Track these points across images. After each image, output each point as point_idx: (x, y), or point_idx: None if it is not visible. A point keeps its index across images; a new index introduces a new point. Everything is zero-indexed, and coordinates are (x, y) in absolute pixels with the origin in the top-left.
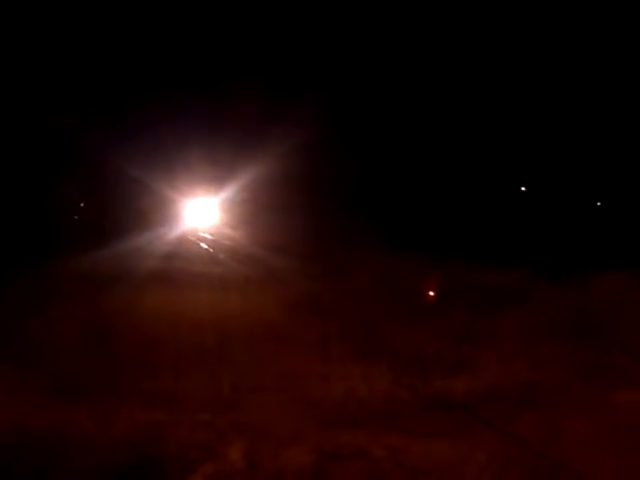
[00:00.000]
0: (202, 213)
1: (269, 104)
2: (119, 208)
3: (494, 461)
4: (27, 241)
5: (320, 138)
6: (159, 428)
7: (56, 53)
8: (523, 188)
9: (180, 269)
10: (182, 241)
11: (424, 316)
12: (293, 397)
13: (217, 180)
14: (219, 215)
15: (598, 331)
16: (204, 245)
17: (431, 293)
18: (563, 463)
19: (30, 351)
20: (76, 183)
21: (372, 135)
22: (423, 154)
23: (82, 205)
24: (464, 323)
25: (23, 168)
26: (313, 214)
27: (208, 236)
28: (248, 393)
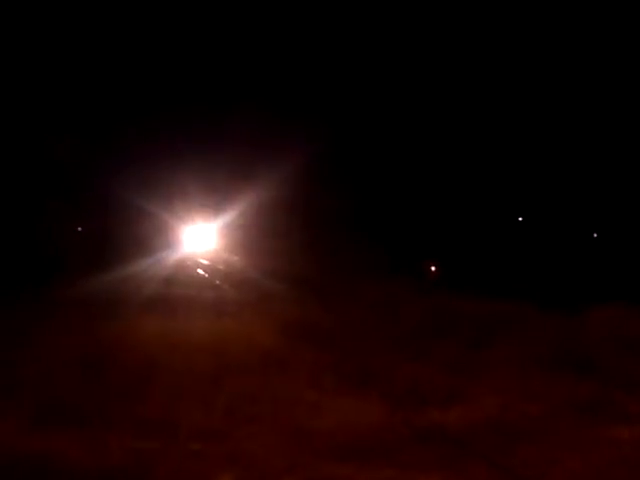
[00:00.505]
0: (200, 238)
1: (266, 130)
2: (117, 234)
3: None
4: (24, 267)
5: (317, 163)
6: (150, 457)
7: (53, 78)
8: (520, 218)
9: (175, 295)
10: (179, 266)
11: (418, 346)
12: (286, 427)
13: (215, 206)
14: (217, 240)
15: (593, 364)
16: (201, 271)
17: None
18: None
19: (21, 377)
20: (74, 209)
21: (368, 160)
22: (419, 182)
23: (79, 230)
24: (458, 354)
25: (20, 194)
26: (310, 239)
27: (205, 261)
28: (241, 422)
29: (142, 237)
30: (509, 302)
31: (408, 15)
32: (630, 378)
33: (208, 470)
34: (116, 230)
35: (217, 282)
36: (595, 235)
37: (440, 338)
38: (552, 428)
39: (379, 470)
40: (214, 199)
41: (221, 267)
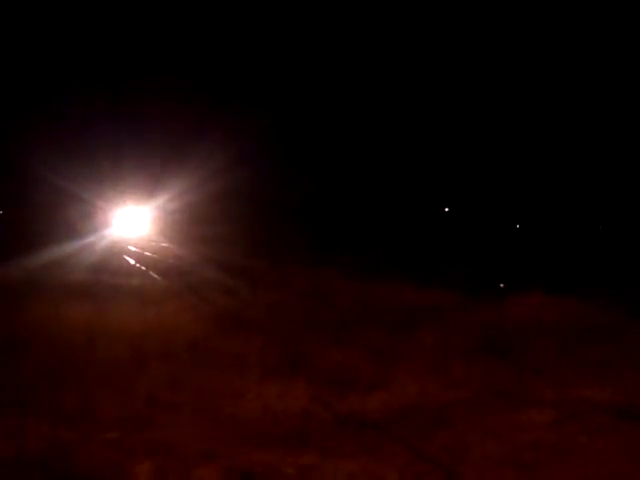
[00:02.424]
0: (131, 223)
1: (205, 111)
2: (42, 217)
3: (405, 479)
4: None
5: (256, 148)
6: (67, 446)
7: None
8: (446, 209)
9: (100, 281)
10: (106, 252)
11: (344, 333)
12: (207, 415)
13: (148, 188)
14: (149, 225)
15: (511, 351)
16: (128, 258)
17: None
18: None
19: None
20: None
21: (308, 146)
22: (355, 172)
23: (0, 213)
24: (383, 341)
25: None
26: (246, 226)
27: (134, 248)
28: (161, 410)
29: (69, 221)
30: (434, 290)
31: None
32: (544, 364)
33: (126, 458)
34: (41, 213)
35: (145, 269)
36: (518, 226)
37: (366, 325)
38: (470, 413)
39: (300, 456)
40: (147, 182)
41: (150, 254)
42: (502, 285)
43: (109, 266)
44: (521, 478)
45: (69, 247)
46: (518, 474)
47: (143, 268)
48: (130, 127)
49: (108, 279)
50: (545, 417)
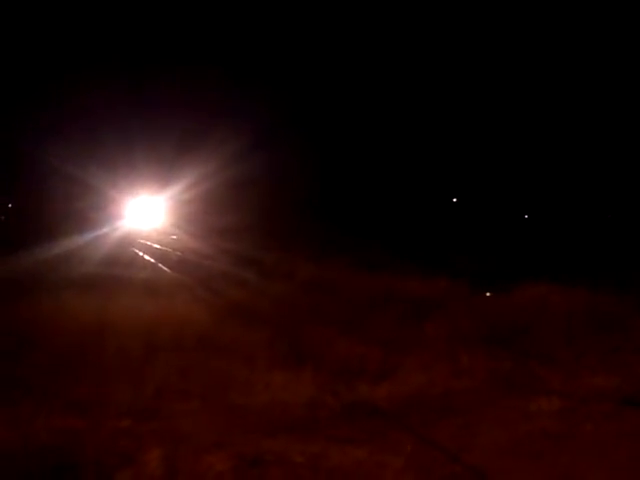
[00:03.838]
0: (145, 213)
1: (219, 98)
2: (55, 209)
3: (411, 466)
4: None
5: (272, 138)
6: (77, 434)
7: None
8: (454, 199)
9: (111, 274)
10: (118, 244)
11: (352, 324)
12: (216, 404)
13: (161, 178)
14: (162, 215)
15: (518, 340)
16: (140, 251)
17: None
18: (478, 469)
19: None
20: (4, 183)
21: (324, 140)
22: (365, 163)
23: (10, 206)
24: (390, 331)
25: None
26: (258, 216)
27: (146, 239)
28: (171, 400)
29: (82, 212)
30: (442, 281)
31: None
32: (551, 353)
33: (137, 447)
34: (54, 205)
35: (155, 261)
36: (526, 217)
37: (373, 316)
38: (476, 402)
39: (309, 444)
40: (160, 172)
41: (161, 246)
42: (509, 273)
43: (121, 258)
44: (528, 465)
45: (82, 239)
46: (525, 461)
47: (153, 261)
48: (143, 116)
49: (119, 272)
50: (552, 405)
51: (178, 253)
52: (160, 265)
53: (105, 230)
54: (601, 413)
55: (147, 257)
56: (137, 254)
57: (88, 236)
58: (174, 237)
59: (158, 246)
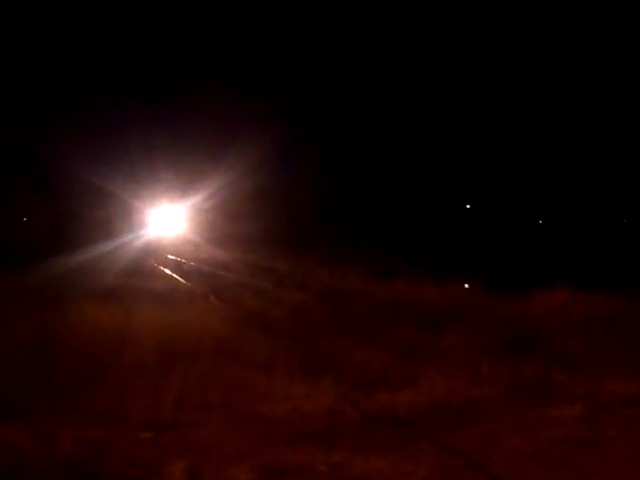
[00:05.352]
0: (166, 222)
1: (239, 109)
2: (77, 217)
3: (434, 475)
4: None
5: (290, 147)
6: (100, 446)
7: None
8: (468, 206)
9: (131, 284)
10: (139, 254)
11: (370, 332)
12: (237, 414)
13: (183, 187)
14: (183, 224)
15: (538, 346)
16: (160, 264)
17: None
18: (501, 477)
19: None
20: (30, 192)
21: (342, 147)
22: (378, 170)
23: (30, 217)
24: (409, 339)
25: None
26: (276, 224)
27: (167, 250)
28: (192, 410)
29: (104, 221)
30: (459, 287)
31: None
32: (571, 359)
33: (160, 458)
34: (76, 213)
35: (174, 273)
36: (540, 222)
37: (391, 323)
38: (498, 410)
39: (330, 453)
40: (182, 180)
41: (179, 257)
42: (527, 279)
43: (141, 269)
44: (551, 473)
45: (105, 247)
46: (548, 469)
47: (172, 271)
48: (165, 127)
49: (139, 282)
50: (574, 412)
51: (197, 263)
52: (178, 275)
53: (128, 238)
54: (625, 419)
55: (167, 269)
56: (156, 264)
57: (111, 244)
58: (193, 245)
59: (177, 256)
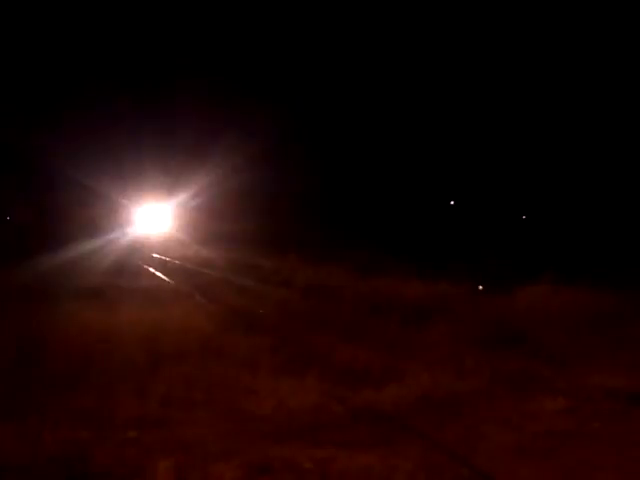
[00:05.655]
0: (152, 220)
1: (224, 109)
2: (63, 215)
3: (420, 470)
4: None
5: (275, 146)
6: (86, 446)
7: None
8: (452, 202)
9: (116, 283)
10: (125, 252)
11: (355, 329)
12: (223, 412)
13: (169, 186)
14: (170, 222)
15: (522, 341)
16: (145, 263)
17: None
18: (486, 471)
19: None
20: (13, 191)
21: (326, 145)
22: (362, 167)
23: (14, 215)
24: (394, 335)
25: None
26: (262, 223)
27: (153, 248)
28: (177, 408)
29: (90, 219)
30: (443, 283)
31: None
32: (556, 352)
33: (146, 457)
34: (62, 212)
35: (158, 271)
36: (524, 217)
37: (376, 320)
38: (482, 403)
39: (317, 449)
40: (168, 179)
41: (164, 256)
42: (511, 275)
43: (126, 268)
44: (536, 466)
45: (88, 247)
46: (532, 462)
47: (157, 269)
48: (151, 126)
49: (124, 281)
50: (558, 405)
51: (183, 262)
52: (163, 274)
53: (114, 236)
54: (608, 411)
55: (152, 267)
56: (142, 262)
57: (97, 243)
58: (179, 244)
59: (163, 255)
